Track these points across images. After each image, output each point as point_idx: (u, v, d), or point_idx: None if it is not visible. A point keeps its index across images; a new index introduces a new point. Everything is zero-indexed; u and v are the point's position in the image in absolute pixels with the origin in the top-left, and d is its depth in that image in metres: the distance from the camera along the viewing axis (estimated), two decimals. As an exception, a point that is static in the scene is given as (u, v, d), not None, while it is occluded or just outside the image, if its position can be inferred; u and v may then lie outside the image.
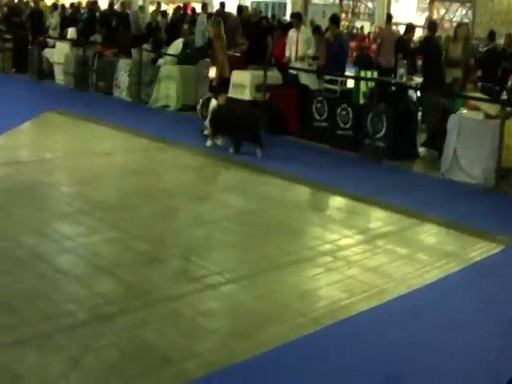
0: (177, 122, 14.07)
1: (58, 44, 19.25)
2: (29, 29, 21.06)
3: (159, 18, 22.12)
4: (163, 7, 28.66)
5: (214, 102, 11.20)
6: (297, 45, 13.19)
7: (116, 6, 22.48)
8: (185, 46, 16.05)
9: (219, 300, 5.93)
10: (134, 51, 16.85)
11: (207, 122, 11.25)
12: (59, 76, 18.61)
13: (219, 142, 11.30)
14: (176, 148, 11.36)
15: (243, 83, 13.44)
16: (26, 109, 14.40)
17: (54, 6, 23.44)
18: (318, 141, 12.19)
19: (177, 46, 16.08)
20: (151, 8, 27.51)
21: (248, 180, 9.83)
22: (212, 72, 12.53)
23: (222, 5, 19.47)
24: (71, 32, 19.06)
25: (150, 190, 9.15)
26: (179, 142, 11.67)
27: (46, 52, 19.62)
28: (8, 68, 20.96)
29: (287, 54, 13.40)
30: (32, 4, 23.16)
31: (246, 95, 13.29)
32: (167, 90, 15.34)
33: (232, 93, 13.43)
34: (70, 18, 21.45)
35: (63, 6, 24.15)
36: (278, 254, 7.02)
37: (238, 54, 15.05)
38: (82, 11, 22.88)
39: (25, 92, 17.52)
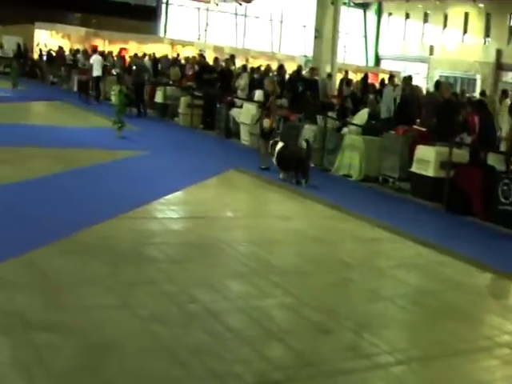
0: (358, 193, 13.98)
1: (245, 105, 19.82)
2: (218, 88, 21.91)
3: (344, 86, 22.36)
4: (350, 75, 28.98)
5: (279, 145, 13.66)
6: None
7: (304, 72, 22.93)
8: (370, 116, 16.04)
9: (389, 382, 5.71)
10: (319, 118, 17.04)
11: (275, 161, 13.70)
12: (244, 136, 19.12)
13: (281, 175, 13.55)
14: (355, 219, 11.22)
15: (427, 159, 13.18)
16: (211, 165, 14.88)
17: (244, 68, 24.27)
18: (503, 225, 11.63)
19: (362, 115, 16.10)
20: (339, 76, 27.84)
21: (427, 258, 9.51)
22: (266, 123, 14.82)
23: (410, 77, 19.25)
24: (259, 94, 19.55)
25: (326, 258, 9.08)
26: (359, 212, 11.54)
27: (234, 112, 20.26)
28: (196, 124, 21.84)
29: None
30: (223, 64, 24.12)
31: (430, 171, 13.03)
32: (350, 160, 15.29)
33: (415, 167, 13.25)
34: (258, 80, 22.08)
35: (252, 68, 24.94)
36: (453, 339, 6.70)
37: (423, 129, 14.84)
38: (271, 74, 23.49)
39: (210, 148, 18.17)
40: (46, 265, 7.46)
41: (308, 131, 16.54)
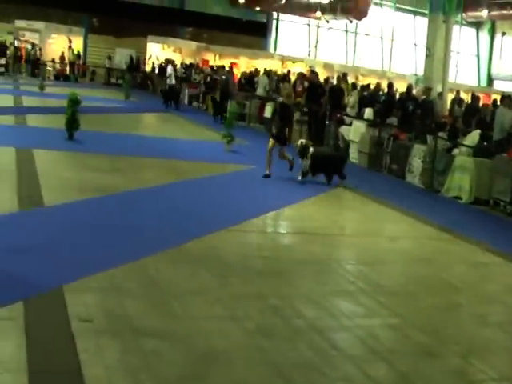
0: (468, 215, 13.74)
1: (355, 123, 19.77)
2: (328, 104, 21.93)
3: (456, 106, 21.99)
4: (462, 95, 28.50)
5: (311, 148, 14.53)
6: None
7: (414, 91, 22.68)
8: (482, 137, 15.72)
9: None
10: (429, 138, 16.83)
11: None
12: (354, 154, 19.07)
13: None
14: (465, 242, 11.00)
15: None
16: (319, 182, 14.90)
17: (353, 86, 24.20)
18: None
19: (473, 137, 15.82)
20: (450, 96, 27.43)
21: (538, 286, 9.24)
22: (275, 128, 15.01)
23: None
24: (368, 112, 19.50)
25: (433, 281, 8.92)
26: (468, 235, 11.32)
27: (343, 129, 20.23)
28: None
29: None
30: (334, 81, 24.11)
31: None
32: (460, 182, 15.00)
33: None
34: (368, 97, 21.98)
35: (363, 86, 24.86)
36: None
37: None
38: (381, 93, 23.36)
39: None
40: (155, 273, 7.63)
41: (418, 151, 16.37)
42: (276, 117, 15.28)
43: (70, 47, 45.64)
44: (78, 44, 46.82)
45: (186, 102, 33.60)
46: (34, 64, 43.08)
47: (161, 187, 12.02)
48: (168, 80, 30.29)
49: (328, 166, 14.73)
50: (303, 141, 15.06)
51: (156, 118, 27.58)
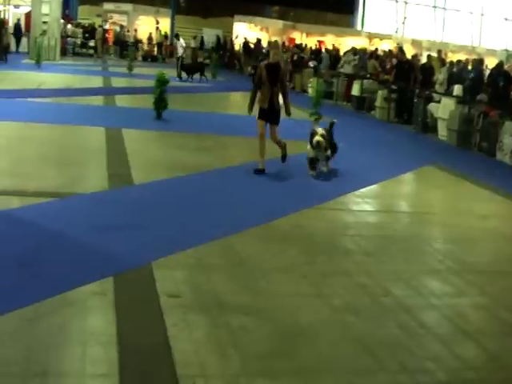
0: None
1: (444, 100, 19.40)
2: (418, 82, 21.60)
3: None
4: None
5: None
6: None
7: (506, 66, 22.08)
8: None
9: None
10: (520, 115, 16.39)
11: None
12: (442, 132, 18.74)
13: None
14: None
15: None
16: (407, 160, 14.74)
17: (442, 62, 23.73)
18: None
19: None
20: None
21: None
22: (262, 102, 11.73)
23: None
24: (457, 89, 19.11)
25: (525, 260, 8.72)
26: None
27: (431, 106, 19.90)
28: (391, 117, 21.68)
29: None
30: (421, 58, 23.69)
31: None
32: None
33: None
34: (457, 74, 21.53)
35: (451, 62, 24.37)
36: None
37: None
38: (470, 68, 22.84)
39: (407, 143, 17.97)
40: (242, 250, 7.69)
41: (509, 128, 15.95)
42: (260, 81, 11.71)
43: (157, 28, 46.24)
44: (165, 25, 47.40)
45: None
46: (122, 45, 43.82)
47: (247, 165, 12.06)
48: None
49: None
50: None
51: (243, 97, 27.51)
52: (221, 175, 11.33)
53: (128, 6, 47.02)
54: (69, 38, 40.64)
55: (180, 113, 17.96)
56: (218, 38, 45.58)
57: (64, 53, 37.56)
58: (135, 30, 46.55)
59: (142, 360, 5.01)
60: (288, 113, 11.92)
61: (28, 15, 36.16)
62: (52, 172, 10.35)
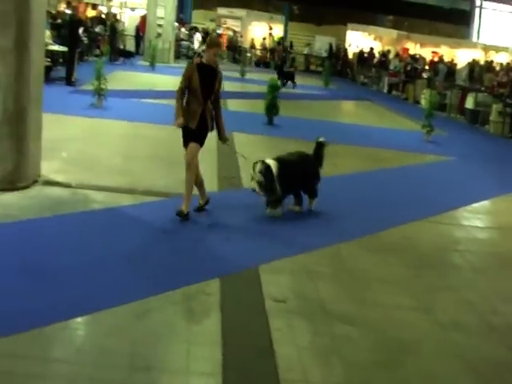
0: None
1: None
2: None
3: None
4: None
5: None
6: None
7: None
8: None
9: None
10: None
11: None
12: None
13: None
14: None
15: None
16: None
17: None
18: None
19: None
20: None
21: None
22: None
23: None
24: None
25: None
26: None
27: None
28: (506, 132, 21.12)
29: None
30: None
31: None
32: None
33: None
34: None
35: None
36: None
37: None
38: None
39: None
40: (349, 259, 7.67)
41: None
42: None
43: (270, 34, 46.58)
44: (278, 31, 47.70)
45: (385, 90, 33.34)
46: (234, 50, 44.34)
47: (358, 174, 12.01)
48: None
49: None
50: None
51: (354, 106, 27.54)
52: (332, 184, 11.27)
53: (242, 12, 47.54)
54: (182, 42, 41.40)
55: (291, 119, 18.03)
56: (331, 46, 45.52)
57: (178, 56, 38.28)
58: (247, 36, 47.01)
59: (245, 361, 5.07)
60: (224, 138, 8.72)
61: (143, 18, 37.06)
62: (161, 171, 10.57)
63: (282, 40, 39.56)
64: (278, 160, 8.88)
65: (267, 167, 8.66)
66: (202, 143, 8.40)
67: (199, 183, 8.70)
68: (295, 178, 9.04)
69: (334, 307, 6.23)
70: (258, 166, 8.66)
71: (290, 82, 28.85)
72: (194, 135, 8.32)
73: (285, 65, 30.55)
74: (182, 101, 8.37)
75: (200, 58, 8.70)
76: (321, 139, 9.71)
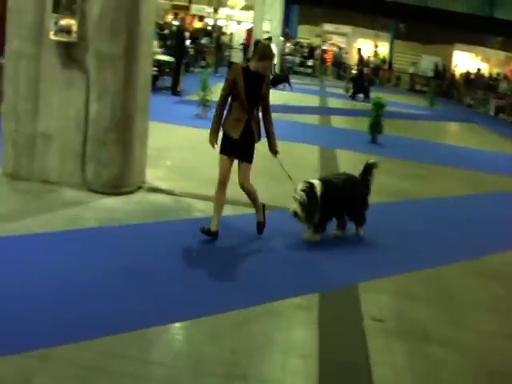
0: None
1: None
2: None
3: None
4: None
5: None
6: None
7: None
8: None
9: None
10: None
11: None
12: None
13: None
14: None
15: None
16: None
17: None
18: None
19: None
20: None
21: None
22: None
23: None
24: None
25: None
26: None
27: None
28: None
29: None
30: None
31: None
32: None
33: None
34: None
35: None
36: None
37: None
38: None
39: None
40: (449, 282, 7.55)
41: None
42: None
43: (375, 52, 46.37)
44: (383, 49, 47.46)
45: (491, 112, 32.67)
46: (339, 67, 44.34)
47: (460, 197, 11.80)
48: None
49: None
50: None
51: (459, 128, 27.07)
52: (431, 204, 11.15)
53: (347, 28, 47.55)
54: (287, 56, 41.68)
55: (394, 138, 17.88)
56: (437, 66, 44.95)
57: (282, 70, 38.56)
58: (352, 53, 46.95)
59: (341, 378, 5.07)
60: (275, 150, 7.90)
61: (249, 31, 37.50)
62: (264, 184, 10.61)
63: (359, 51, 39.11)
64: (323, 181, 8.26)
65: (311, 186, 8.01)
66: (251, 159, 7.72)
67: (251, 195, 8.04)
68: (340, 202, 8.37)
69: (433, 329, 6.15)
70: (301, 185, 7.99)
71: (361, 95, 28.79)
72: (239, 149, 7.58)
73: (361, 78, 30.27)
74: (222, 113, 7.55)
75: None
76: (371, 161, 8.85)
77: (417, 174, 13.62)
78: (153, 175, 9.77)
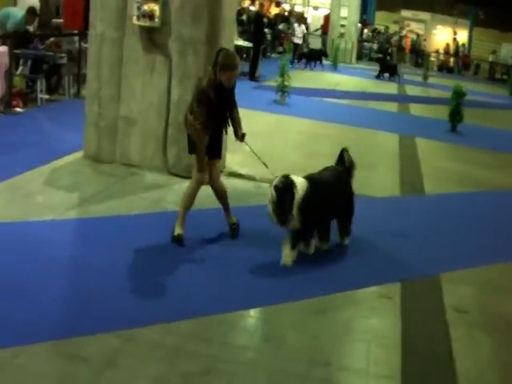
0: None
1: None
2: None
3: None
4: None
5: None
6: None
7: None
8: None
9: None
10: None
11: None
12: None
13: None
14: None
15: None
16: None
17: None
18: None
19: None
20: None
21: None
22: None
23: None
24: None
25: None
26: None
27: None
28: None
29: None
30: None
31: None
32: None
33: None
34: None
35: None
36: None
37: None
38: None
39: None
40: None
41: None
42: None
43: (454, 39, 45.53)
44: (462, 36, 46.55)
45: None
46: (417, 54, 43.70)
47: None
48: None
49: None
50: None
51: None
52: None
53: (426, 15, 46.78)
54: (365, 43, 41.28)
55: (475, 127, 17.47)
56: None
57: (359, 57, 38.24)
58: (431, 40, 46.21)
59: (424, 367, 5.01)
60: (240, 134, 6.97)
61: (327, 17, 37.26)
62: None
63: (386, 28, 38.28)
64: (309, 179, 6.72)
65: (288, 184, 6.46)
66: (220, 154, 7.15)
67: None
68: (330, 206, 6.90)
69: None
70: (276, 181, 6.47)
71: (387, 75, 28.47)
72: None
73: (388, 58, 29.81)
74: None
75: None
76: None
77: (498, 164, 13.31)
78: (232, 161, 9.79)
